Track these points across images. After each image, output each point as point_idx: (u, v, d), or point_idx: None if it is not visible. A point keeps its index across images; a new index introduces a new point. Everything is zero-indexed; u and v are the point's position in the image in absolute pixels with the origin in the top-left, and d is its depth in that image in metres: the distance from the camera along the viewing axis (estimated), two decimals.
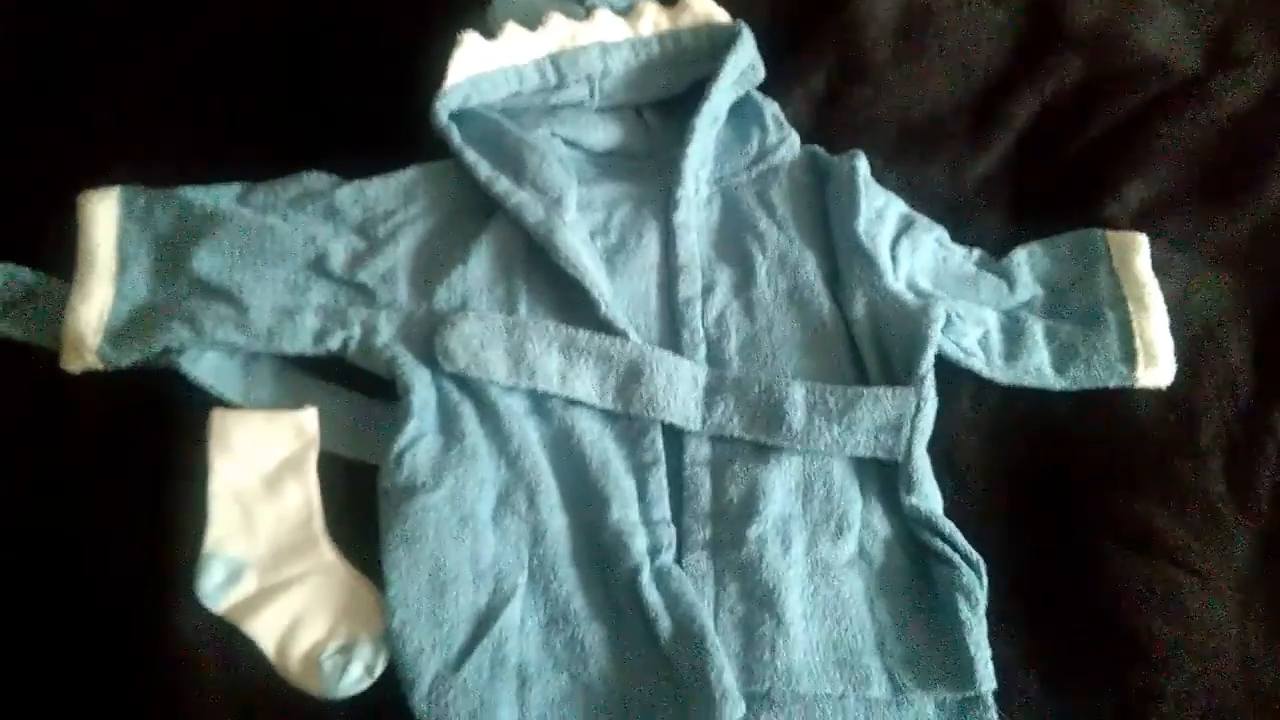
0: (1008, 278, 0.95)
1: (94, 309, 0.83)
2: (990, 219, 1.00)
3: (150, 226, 0.86)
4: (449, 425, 0.82)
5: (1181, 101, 1.05)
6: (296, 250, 0.86)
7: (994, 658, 0.77)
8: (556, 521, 0.81)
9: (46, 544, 0.81)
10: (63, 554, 0.81)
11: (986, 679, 0.77)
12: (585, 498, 0.82)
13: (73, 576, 0.80)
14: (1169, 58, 1.09)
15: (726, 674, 0.74)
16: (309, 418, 0.82)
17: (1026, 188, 1.02)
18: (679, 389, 0.83)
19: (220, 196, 0.88)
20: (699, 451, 0.85)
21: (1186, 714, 0.81)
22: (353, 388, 0.86)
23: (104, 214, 0.86)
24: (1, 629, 0.79)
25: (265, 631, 0.77)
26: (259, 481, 0.81)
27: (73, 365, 0.82)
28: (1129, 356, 0.90)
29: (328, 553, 0.81)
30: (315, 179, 0.89)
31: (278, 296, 0.84)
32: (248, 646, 0.77)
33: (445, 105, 0.88)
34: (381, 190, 0.89)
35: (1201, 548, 0.86)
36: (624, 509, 0.81)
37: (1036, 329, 0.91)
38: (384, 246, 0.87)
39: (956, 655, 0.77)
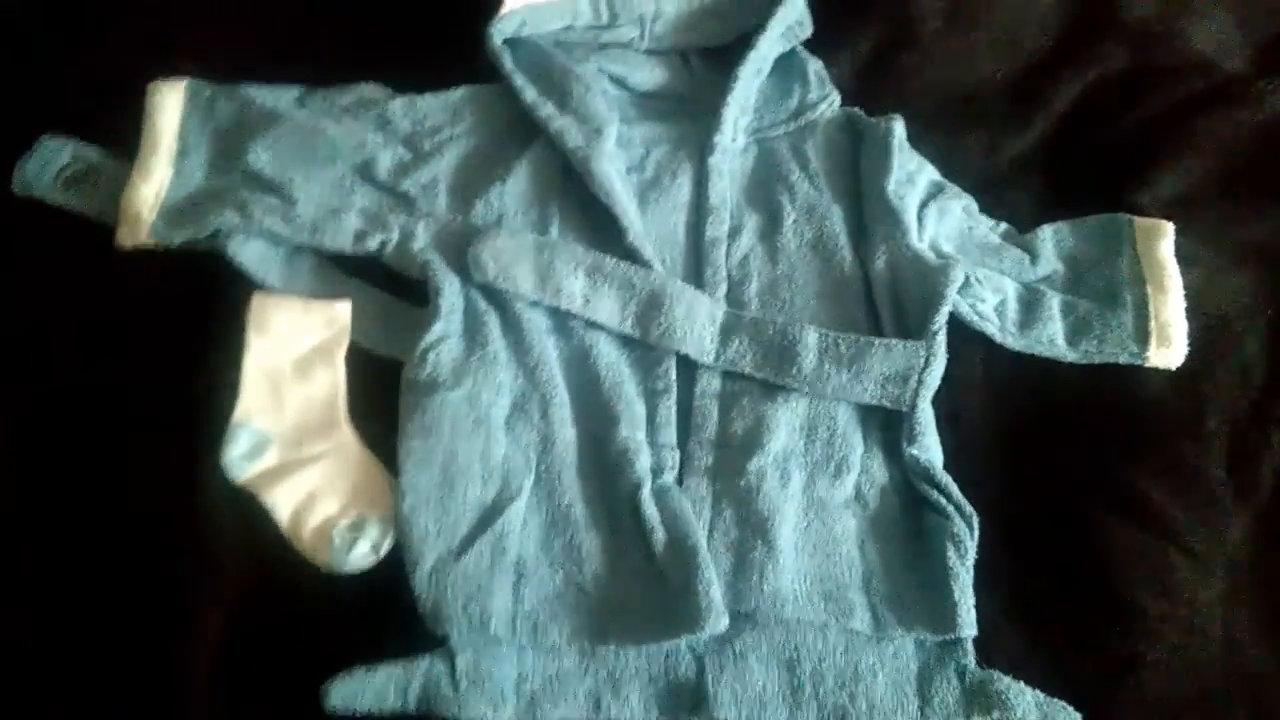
0: (1031, 251, 0.95)
1: (152, 188, 0.86)
2: (1020, 198, 1.00)
3: (212, 118, 0.89)
4: (473, 331, 0.85)
5: (1222, 100, 1.04)
6: (346, 154, 0.89)
7: (978, 609, 0.79)
8: (566, 433, 0.83)
9: (89, 396, 0.85)
10: (103, 408, 0.85)
11: (967, 624, 0.78)
12: (596, 414, 0.84)
13: (111, 429, 0.84)
14: (1216, 58, 1.08)
15: (714, 588, 0.76)
16: (343, 309, 0.85)
17: (1059, 170, 1.02)
18: (696, 322, 0.85)
19: (280, 97, 0.91)
20: (710, 384, 0.86)
21: (1164, 685, 0.82)
22: (387, 287, 0.89)
23: (171, 102, 0.89)
24: (42, 472, 0.83)
25: (282, 503, 0.80)
26: (290, 363, 0.84)
27: (127, 240, 0.86)
28: (1142, 335, 0.90)
29: (347, 436, 0.83)
30: (371, 90, 0.92)
31: (324, 195, 0.87)
32: (264, 516, 0.80)
33: (500, 31, 0.90)
34: (432, 106, 0.92)
35: (1196, 528, 0.87)
36: (632, 429, 0.83)
37: (1053, 302, 0.91)
38: (429, 159, 0.90)
39: (940, 599, 0.79)
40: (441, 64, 0.94)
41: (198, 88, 0.90)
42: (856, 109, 0.97)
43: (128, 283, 0.88)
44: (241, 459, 0.81)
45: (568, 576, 0.79)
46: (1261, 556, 0.88)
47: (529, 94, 0.90)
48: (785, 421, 0.85)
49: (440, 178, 0.89)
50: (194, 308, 0.86)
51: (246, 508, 0.80)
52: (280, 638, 0.78)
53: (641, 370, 0.86)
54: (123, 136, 0.89)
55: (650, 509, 0.80)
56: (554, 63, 0.93)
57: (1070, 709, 0.78)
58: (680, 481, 0.83)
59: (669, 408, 0.85)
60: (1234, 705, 0.83)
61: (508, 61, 0.91)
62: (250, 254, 0.86)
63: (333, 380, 0.84)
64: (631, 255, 0.87)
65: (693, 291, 0.86)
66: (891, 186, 0.91)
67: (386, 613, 0.77)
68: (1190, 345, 0.92)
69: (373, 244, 0.86)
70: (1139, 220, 0.96)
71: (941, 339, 0.85)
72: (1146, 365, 0.91)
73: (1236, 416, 0.92)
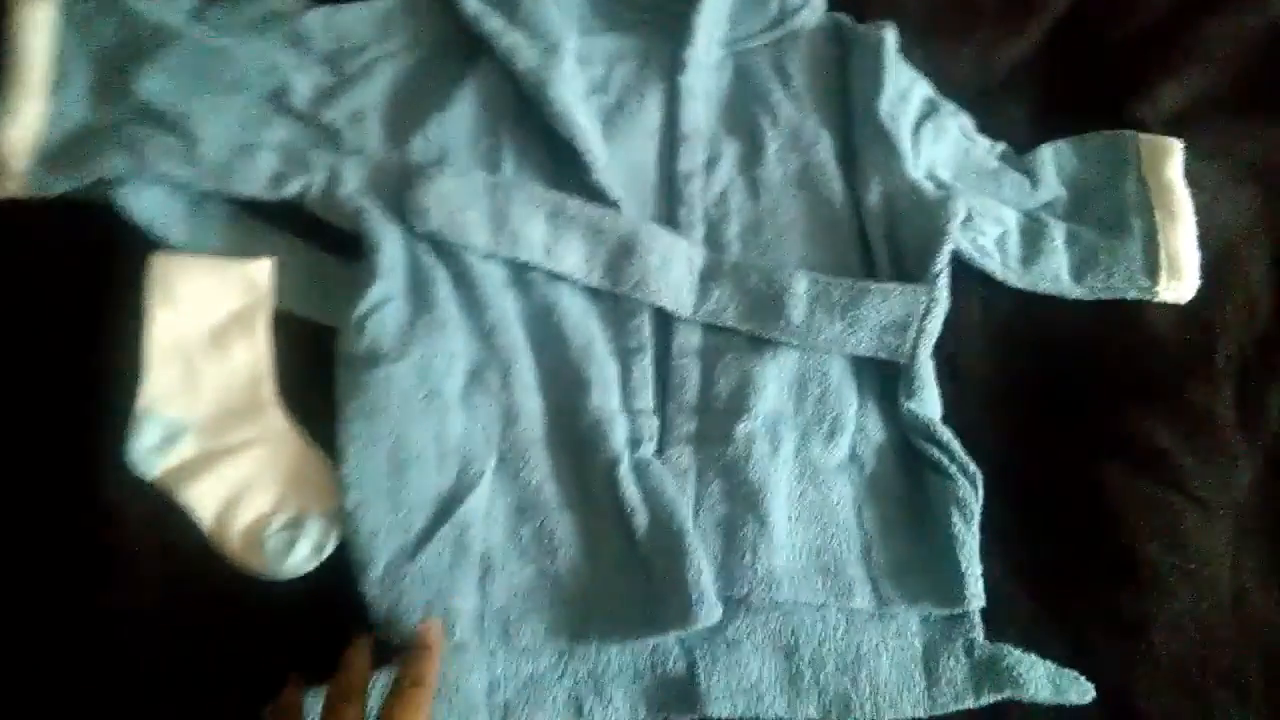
0: (1031, 175, 0.90)
1: (23, 128, 0.75)
2: (1017, 110, 0.95)
3: (92, 38, 0.78)
4: (419, 291, 0.77)
5: (1229, 2, 0.98)
6: (254, 79, 0.79)
7: (983, 574, 0.76)
8: (531, 403, 0.77)
9: None
10: None
11: (975, 596, 0.75)
12: (564, 380, 0.78)
13: None
14: None
15: (704, 576, 0.71)
16: (262, 269, 0.76)
17: (1057, 79, 0.96)
18: (673, 270, 0.79)
19: (173, 10, 0.80)
20: (689, 340, 0.81)
21: (1176, 643, 0.80)
22: (314, 240, 0.80)
23: (40, 20, 0.77)
24: None
25: (203, 501, 0.72)
26: (204, 336, 0.75)
27: None
28: (1152, 268, 0.87)
29: (277, 419, 0.75)
30: None
31: (231, 130, 0.77)
32: (182, 517, 0.73)
33: None
34: (355, 18, 0.82)
35: (1205, 474, 0.85)
36: (605, 395, 0.77)
37: (1057, 233, 0.87)
38: (355, 83, 0.80)
39: (945, 570, 0.75)
40: None
41: (73, 2, 0.78)
42: (843, 15, 0.91)
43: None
44: (151, 452, 0.72)
45: (540, 568, 0.73)
46: (1271, 501, 0.87)
47: (471, 3, 0.81)
48: (773, 379, 0.79)
49: (370, 106, 0.80)
50: (82, 272, 0.78)
51: (160, 508, 0.73)
52: (209, 655, 0.71)
53: (613, 326, 0.80)
54: None
55: (629, 487, 0.74)
56: None
57: (1082, 680, 0.76)
58: (660, 452, 0.78)
59: (645, 368, 0.79)
60: (1245, 659, 0.82)
61: None
62: (146, 204, 0.77)
63: (256, 353, 0.75)
64: (597, 194, 0.80)
65: (668, 235, 0.80)
66: (884, 106, 0.85)
67: (332, 619, 0.70)
68: (1200, 275, 0.89)
69: (293, 188, 0.76)
70: (1144, 138, 0.92)
71: (944, 281, 0.81)
72: (1156, 300, 0.88)
73: (1244, 352, 0.90)
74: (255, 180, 0.76)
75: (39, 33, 0.77)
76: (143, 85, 0.76)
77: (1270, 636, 0.82)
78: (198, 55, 0.78)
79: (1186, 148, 0.91)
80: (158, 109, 0.76)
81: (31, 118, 0.75)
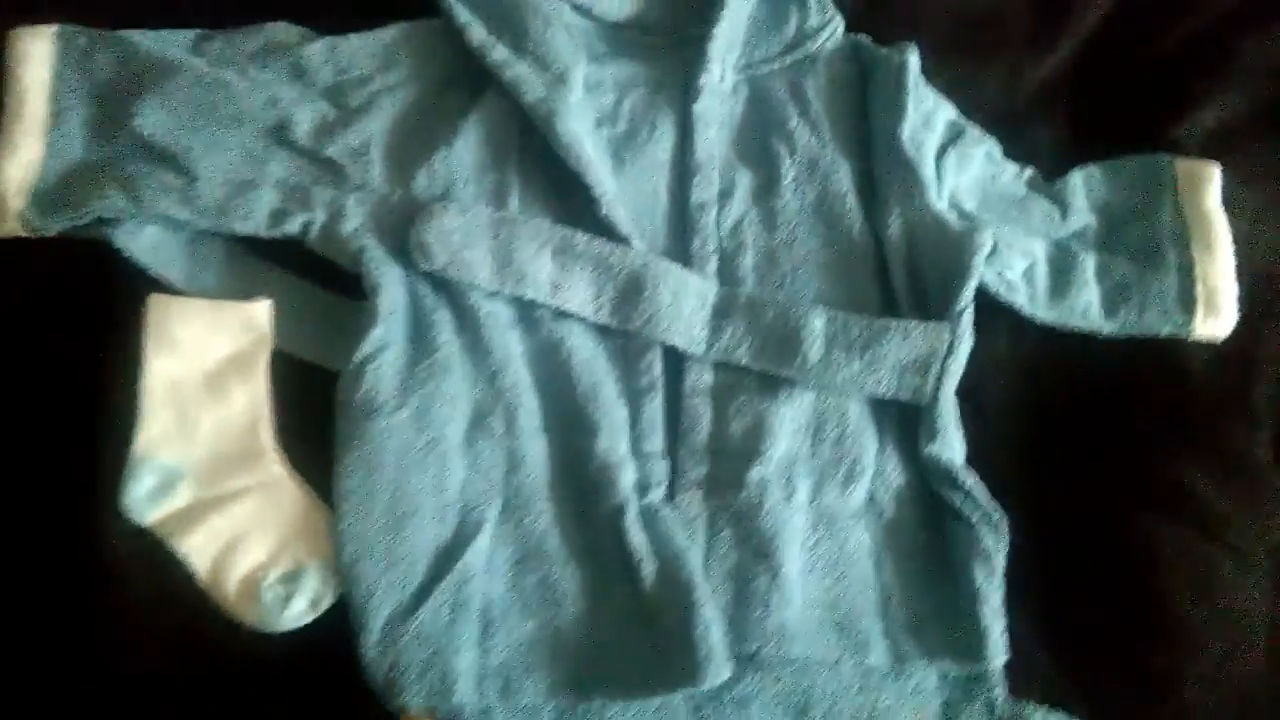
0: (1061, 203, 0.88)
1: (20, 166, 0.75)
2: (1046, 132, 0.93)
3: (90, 73, 0.78)
4: (421, 334, 0.76)
5: (1270, 14, 0.96)
6: (255, 114, 0.78)
7: (1005, 627, 0.74)
8: (536, 448, 0.76)
9: None
10: None
11: (998, 653, 0.73)
12: (571, 423, 0.76)
13: None
14: None
15: (714, 630, 0.70)
16: (262, 311, 0.76)
17: (1088, 100, 0.94)
18: (684, 307, 0.77)
19: (171, 44, 0.79)
20: (701, 379, 0.79)
21: (1205, 700, 0.78)
22: (315, 279, 0.80)
23: (38, 55, 0.77)
24: None
25: (198, 550, 0.72)
26: (200, 380, 0.75)
27: None
28: (1188, 303, 0.84)
29: (275, 466, 0.75)
30: (281, 31, 0.81)
31: (231, 166, 0.76)
32: (177, 566, 0.72)
33: None
34: (358, 50, 0.81)
35: (1241, 521, 0.83)
36: (612, 439, 0.75)
37: (1088, 264, 0.85)
38: (357, 117, 0.79)
39: (967, 625, 0.74)
40: None
41: (70, 36, 0.78)
42: (863, 36, 0.88)
43: None
44: (146, 499, 0.72)
45: (543, 621, 0.72)
46: None
47: (476, 33, 0.79)
48: (789, 421, 0.78)
49: (373, 141, 0.79)
50: (79, 312, 0.78)
51: (156, 556, 0.72)
52: (204, 713, 0.71)
53: (621, 365, 0.78)
54: None
55: (636, 535, 0.73)
56: None
57: None
58: (670, 498, 0.77)
59: (655, 408, 0.78)
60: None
61: None
62: (144, 244, 0.77)
63: (254, 398, 0.75)
64: (606, 229, 0.78)
65: (679, 270, 0.78)
66: (907, 133, 0.83)
67: (333, 676, 0.69)
68: (1239, 309, 0.86)
69: (293, 226, 0.75)
70: (1180, 162, 0.90)
71: (968, 318, 0.79)
72: (1192, 338, 0.85)
73: None
74: (255, 218, 0.75)
75: (36, 67, 0.77)
76: (141, 121, 0.75)
77: None
78: (197, 89, 0.77)
79: (1225, 171, 0.89)
80: (156, 145, 0.75)
81: (29, 155, 0.75)
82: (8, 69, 0.76)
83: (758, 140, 0.85)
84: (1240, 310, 0.85)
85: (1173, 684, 0.78)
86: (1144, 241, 0.86)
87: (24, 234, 0.75)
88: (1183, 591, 0.80)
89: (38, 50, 0.77)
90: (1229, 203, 0.87)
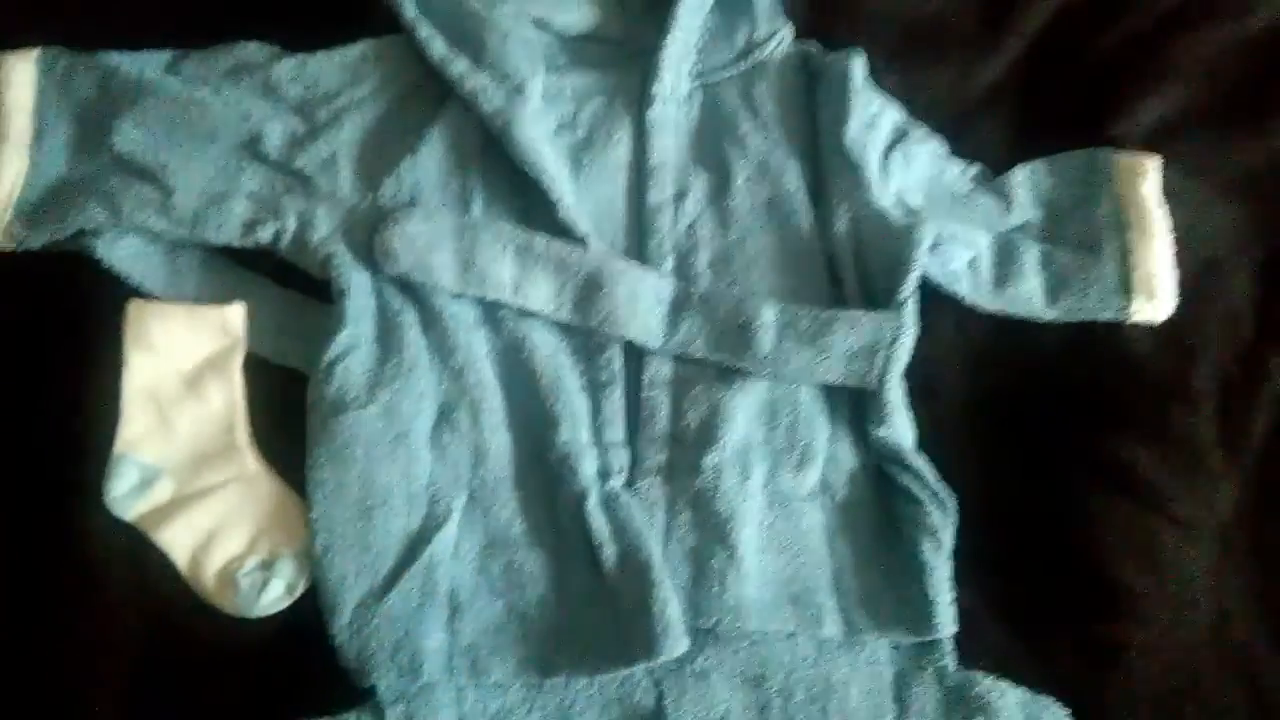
0: (1005, 198, 0.90)
1: (4, 182, 0.77)
2: (993, 129, 0.95)
3: (70, 93, 0.80)
4: (388, 335, 0.77)
5: (1207, 16, 0.98)
6: (228, 129, 0.80)
7: (957, 602, 0.76)
8: (500, 440, 0.77)
9: None
10: None
11: (946, 624, 0.75)
12: (533, 416, 0.78)
13: None
14: None
15: (671, 607, 0.72)
16: (235, 314, 0.78)
17: (1035, 98, 0.96)
18: (641, 303, 0.79)
19: (148, 64, 0.81)
20: (659, 371, 0.81)
21: (1152, 667, 0.80)
22: (289, 285, 0.82)
23: (20, 78, 0.80)
24: None
25: (178, 542, 0.74)
26: (178, 381, 0.77)
27: None
28: (1125, 288, 0.86)
29: (251, 462, 0.77)
30: (253, 50, 0.83)
31: (206, 180, 0.78)
32: (159, 558, 0.74)
33: None
34: (325, 67, 0.83)
35: (1185, 495, 0.84)
36: (574, 430, 0.77)
37: (1030, 255, 0.87)
38: (325, 130, 0.81)
39: (916, 598, 0.75)
40: (334, 14, 0.85)
41: (51, 57, 0.81)
42: (812, 43, 0.90)
43: None
44: (128, 495, 0.74)
45: (509, 604, 0.74)
46: (1252, 520, 0.86)
47: (437, 47, 0.81)
48: (743, 409, 0.79)
49: (341, 152, 0.81)
50: (62, 318, 0.79)
51: (137, 548, 0.74)
52: (184, 696, 0.73)
53: (583, 360, 0.80)
54: None
55: (598, 520, 0.74)
56: (464, 6, 0.83)
57: (1056, 707, 0.76)
58: (631, 484, 0.78)
59: (615, 400, 0.80)
60: (1227, 684, 0.81)
61: (410, 8, 0.82)
62: (124, 253, 0.79)
63: (229, 397, 0.77)
64: (565, 230, 0.80)
65: (636, 268, 0.80)
66: (851, 134, 0.85)
67: (307, 658, 0.71)
68: (1179, 293, 0.88)
69: (265, 234, 0.78)
70: (1120, 156, 0.91)
71: (911, 308, 0.81)
72: (1131, 321, 0.87)
73: (1226, 371, 0.89)
74: (228, 228, 0.77)
75: (20, 89, 0.79)
76: (120, 138, 0.78)
77: (1254, 661, 0.81)
78: (173, 107, 0.79)
79: (1168, 164, 0.90)
80: (134, 160, 0.78)
81: (13, 172, 0.77)
82: None
83: (711, 144, 0.87)
84: (1182, 296, 0.87)
85: (1120, 653, 0.79)
86: (1084, 232, 0.88)
87: (10, 247, 0.77)
88: (1129, 564, 0.81)
89: (21, 72, 0.79)
90: (1171, 195, 0.89)
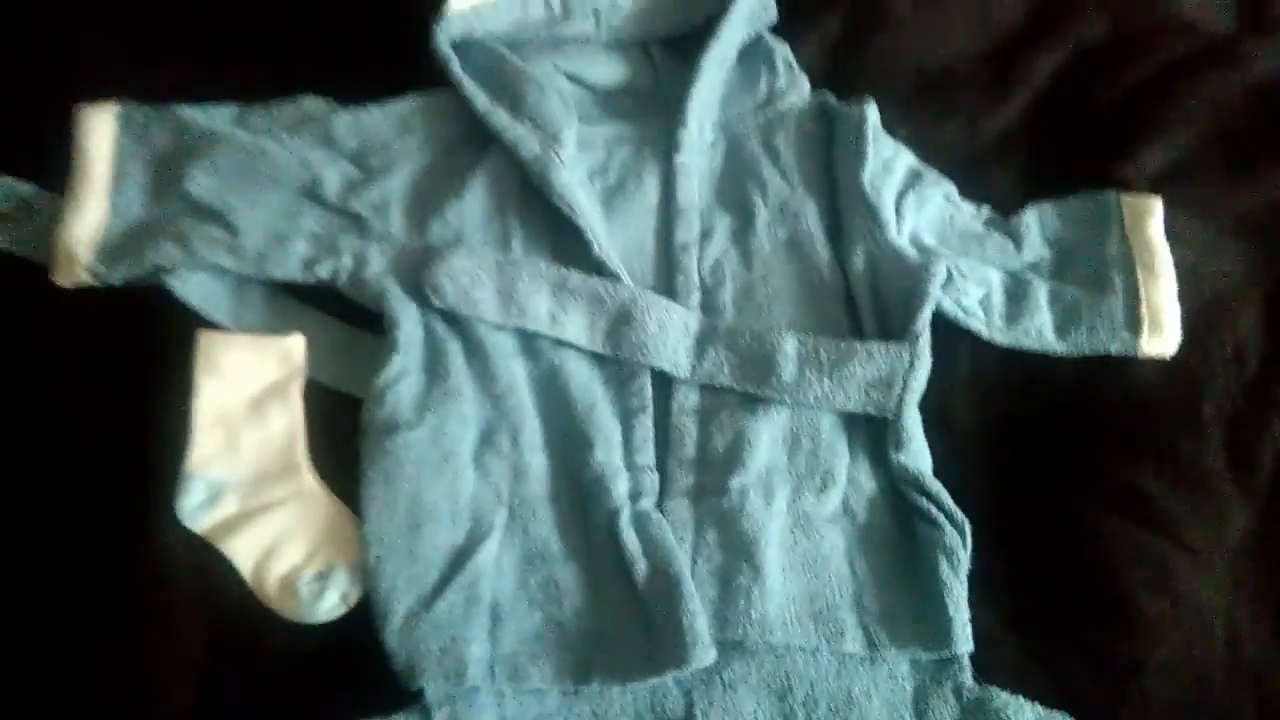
0: (1015, 237, 0.93)
1: (87, 224, 0.82)
2: (1004, 177, 0.98)
3: (146, 144, 0.85)
4: (434, 363, 0.81)
5: (1209, 64, 1.02)
6: (290, 175, 0.85)
7: (974, 621, 0.77)
8: (538, 462, 0.81)
9: (33, 448, 0.82)
10: (47, 461, 0.82)
11: (963, 640, 0.76)
12: (569, 439, 0.81)
13: (55, 485, 0.81)
14: (1200, 20, 1.06)
15: (699, 619, 0.74)
16: (296, 344, 0.82)
17: (1043, 146, 0.99)
18: (670, 335, 0.83)
19: (217, 117, 0.87)
20: (687, 399, 0.84)
21: (1167, 687, 0.81)
22: (344, 317, 0.86)
23: (101, 129, 0.85)
24: None
25: (243, 553, 0.78)
26: (244, 405, 0.81)
27: (64, 280, 0.82)
28: (1133, 323, 0.88)
29: (309, 479, 0.81)
30: (312, 104, 0.88)
31: (269, 221, 0.83)
32: (225, 568, 0.78)
33: (446, 33, 0.86)
34: (379, 119, 0.88)
35: (1196, 522, 0.86)
36: (607, 453, 0.80)
37: (1040, 291, 0.89)
38: (379, 176, 0.86)
39: (934, 615, 0.77)
40: (388, 72, 0.90)
41: (129, 111, 0.86)
42: (828, 94, 0.94)
43: (67, 321, 0.84)
44: (197, 509, 0.78)
45: (547, 614, 0.77)
46: (1263, 548, 0.87)
47: (480, 101, 0.86)
48: (766, 434, 0.82)
49: (392, 196, 0.85)
50: (139, 347, 0.83)
51: (206, 558, 0.78)
52: (248, 696, 0.76)
53: (615, 388, 0.84)
54: (56, 169, 0.85)
55: (629, 537, 0.77)
56: (506, 64, 0.89)
57: None
58: (660, 505, 0.81)
59: (645, 426, 0.83)
60: (1240, 704, 0.82)
61: (456, 67, 0.87)
62: (195, 288, 0.83)
63: (290, 420, 0.81)
64: (598, 268, 0.84)
65: (665, 302, 0.84)
66: (867, 178, 0.88)
67: (360, 663, 0.74)
68: (1184, 328, 0.90)
69: (324, 271, 0.82)
70: (1126, 198, 0.94)
71: (926, 340, 0.83)
72: (1139, 354, 0.89)
73: (1233, 402, 0.91)
74: (290, 265, 0.81)
75: (101, 139, 0.84)
76: (191, 183, 0.82)
77: (1266, 681, 0.82)
78: (240, 155, 0.84)
79: (1173, 206, 0.93)
80: (205, 204, 0.82)
81: (94, 214, 0.82)
82: (76, 141, 0.83)
83: (734, 188, 0.90)
84: (1188, 330, 0.89)
85: (1133, 672, 0.80)
86: (1093, 269, 0.90)
87: (92, 283, 0.81)
88: (1142, 588, 0.82)
89: (102, 125, 0.84)
90: (1176, 236, 0.91)
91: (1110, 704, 0.80)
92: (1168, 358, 0.89)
